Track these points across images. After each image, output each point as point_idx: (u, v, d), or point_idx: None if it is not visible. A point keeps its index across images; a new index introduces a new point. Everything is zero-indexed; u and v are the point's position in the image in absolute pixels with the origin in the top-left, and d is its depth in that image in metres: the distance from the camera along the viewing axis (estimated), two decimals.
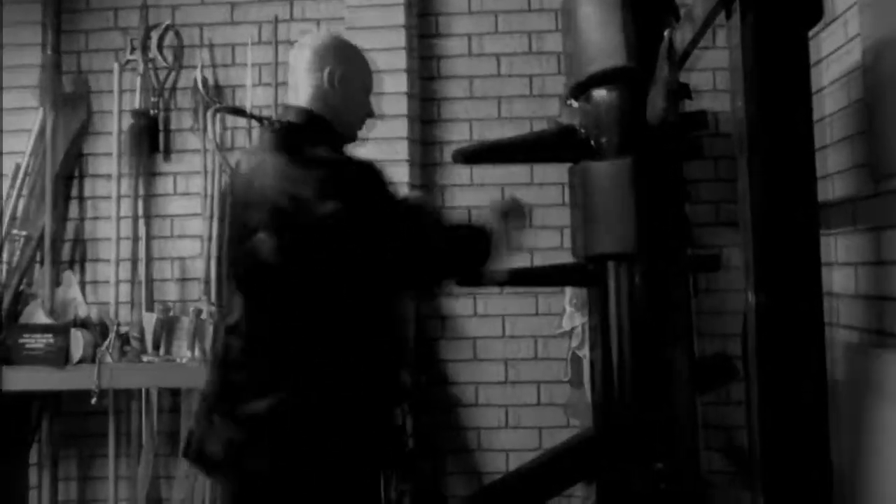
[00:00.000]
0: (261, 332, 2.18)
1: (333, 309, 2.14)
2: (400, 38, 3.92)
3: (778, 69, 1.99)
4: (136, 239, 4.06)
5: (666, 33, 2.61)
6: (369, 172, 2.17)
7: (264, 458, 2.10)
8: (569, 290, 3.69)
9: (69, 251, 4.11)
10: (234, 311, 2.24)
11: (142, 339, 3.81)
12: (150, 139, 4.06)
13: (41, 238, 3.94)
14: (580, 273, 3.22)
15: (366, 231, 2.09)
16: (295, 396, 2.11)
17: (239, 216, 2.26)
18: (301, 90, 2.31)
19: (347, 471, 2.16)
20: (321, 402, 2.12)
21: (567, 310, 3.68)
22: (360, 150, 2.48)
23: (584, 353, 3.50)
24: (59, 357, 3.66)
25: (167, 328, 3.81)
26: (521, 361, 3.97)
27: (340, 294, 2.13)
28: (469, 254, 2.31)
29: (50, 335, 3.69)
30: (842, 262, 3.03)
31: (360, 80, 2.39)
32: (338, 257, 2.08)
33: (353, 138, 2.41)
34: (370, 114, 2.44)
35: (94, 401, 3.63)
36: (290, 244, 2.09)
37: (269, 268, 2.12)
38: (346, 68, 2.32)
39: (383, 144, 3.74)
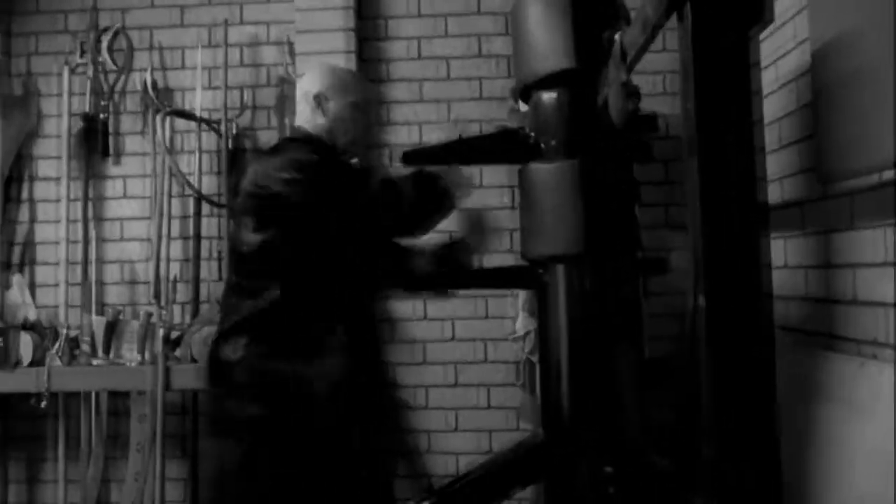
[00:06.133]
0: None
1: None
2: (348, 42, 3.91)
3: (719, 69, 1.99)
4: (85, 242, 4.06)
5: (617, 36, 2.61)
6: (319, 153, 2.60)
7: None
8: (522, 295, 3.68)
9: (17, 254, 4.11)
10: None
11: (91, 343, 3.79)
12: (98, 142, 4.05)
13: None
14: (528, 275, 3.22)
15: (325, 198, 2.50)
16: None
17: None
18: (297, 113, 2.75)
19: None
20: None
21: (520, 314, 3.68)
22: None
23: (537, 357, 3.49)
24: (7, 360, 3.66)
25: (116, 332, 3.80)
26: (469, 365, 3.97)
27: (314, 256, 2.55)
28: (420, 198, 2.74)
29: None
30: (792, 265, 3.03)
31: (348, 101, 2.72)
32: (305, 223, 2.50)
33: (356, 149, 2.84)
34: (369, 125, 2.88)
35: (42, 404, 3.64)
36: (265, 221, 2.51)
37: (251, 245, 2.55)
38: (330, 91, 2.70)
39: None
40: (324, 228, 2.51)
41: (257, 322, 2.53)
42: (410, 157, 3.35)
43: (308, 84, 2.73)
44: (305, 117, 2.71)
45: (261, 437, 2.51)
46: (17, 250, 4.11)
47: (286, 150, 2.66)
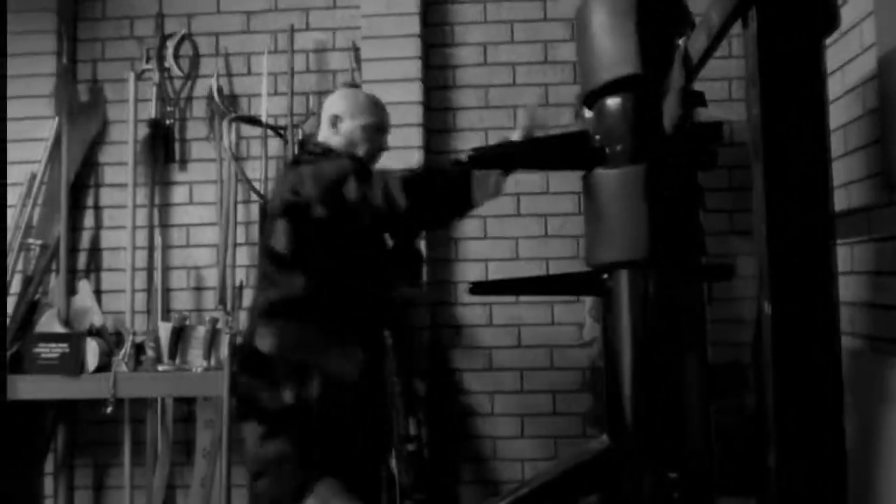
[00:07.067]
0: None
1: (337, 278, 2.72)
2: (415, 48, 3.93)
3: (793, 77, 1.98)
4: (151, 248, 4.07)
5: (681, 41, 2.60)
6: (353, 160, 2.78)
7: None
8: (588, 301, 3.68)
9: (84, 260, 4.12)
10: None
11: (157, 349, 3.81)
12: (164, 148, 4.07)
13: (56, 247, 3.94)
14: (592, 281, 3.21)
15: (349, 203, 2.61)
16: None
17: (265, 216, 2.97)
18: (320, 129, 2.97)
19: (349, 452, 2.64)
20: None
21: (588, 320, 3.68)
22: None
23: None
24: (74, 366, 3.67)
25: (182, 337, 3.82)
26: (536, 371, 3.96)
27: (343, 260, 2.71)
28: (443, 191, 2.86)
29: (65, 344, 3.70)
30: (858, 271, 3.02)
31: (358, 123, 2.92)
32: (335, 229, 2.66)
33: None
34: (378, 149, 2.98)
35: (109, 410, 3.65)
36: (299, 226, 2.68)
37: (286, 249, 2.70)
38: (347, 114, 2.91)
39: (394, 155, 3.63)
40: (357, 232, 2.71)
41: (283, 311, 2.68)
42: (476, 159, 3.36)
43: (329, 104, 2.96)
44: (324, 134, 2.94)
45: (294, 426, 2.59)
46: (84, 256, 4.12)
47: (321, 160, 2.80)
